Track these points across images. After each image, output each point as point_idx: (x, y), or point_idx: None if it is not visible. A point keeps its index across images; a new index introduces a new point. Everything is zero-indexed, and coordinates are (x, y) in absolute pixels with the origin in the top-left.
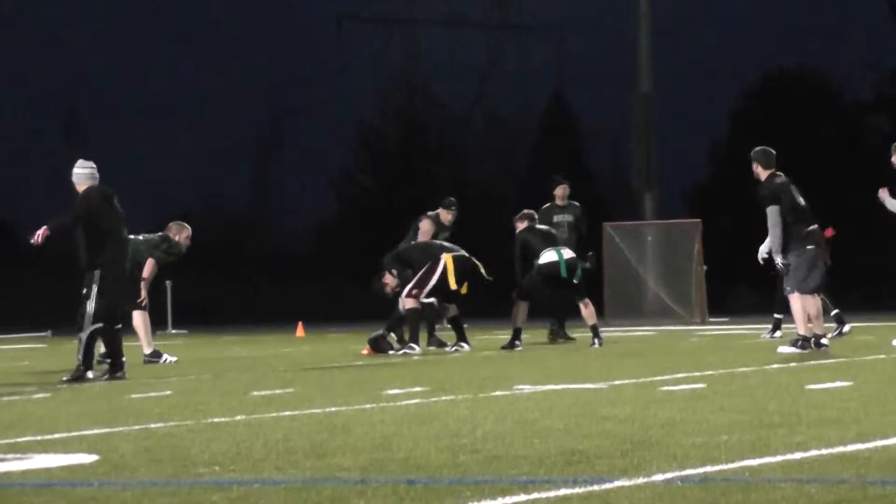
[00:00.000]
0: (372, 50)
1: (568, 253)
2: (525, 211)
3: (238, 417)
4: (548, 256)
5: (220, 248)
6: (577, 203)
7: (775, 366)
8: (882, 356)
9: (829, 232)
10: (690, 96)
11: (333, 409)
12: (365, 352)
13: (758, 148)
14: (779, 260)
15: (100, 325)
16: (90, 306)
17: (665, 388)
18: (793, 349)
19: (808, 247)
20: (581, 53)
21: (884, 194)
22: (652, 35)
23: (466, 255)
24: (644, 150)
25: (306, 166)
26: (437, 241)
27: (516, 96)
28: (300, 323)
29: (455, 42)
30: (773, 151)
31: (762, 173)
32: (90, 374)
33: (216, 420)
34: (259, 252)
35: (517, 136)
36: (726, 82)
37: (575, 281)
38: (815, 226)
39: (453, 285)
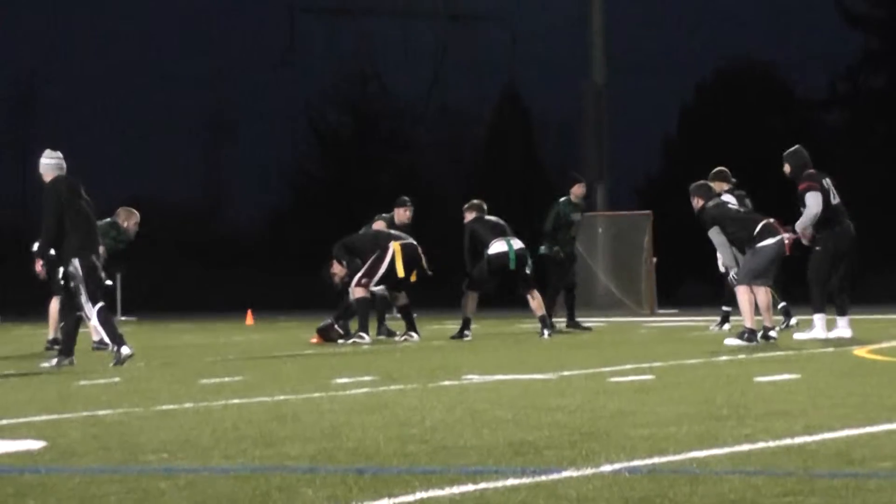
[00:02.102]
0: (324, 40)
1: (517, 243)
2: (474, 201)
3: (187, 405)
4: (497, 247)
5: (171, 235)
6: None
7: (723, 358)
8: (830, 349)
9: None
10: (642, 88)
11: (282, 397)
12: (314, 340)
13: (695, 184)
14: (732, 274)
15: (102, 303)
16: (83, 295)
17: (614, 379)
18: (739, 341)
19: (770, 241)
20: (534, 44)
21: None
22: (605, 26)
23: (414, 243)
24: (595, 141)
25: (258, 155)
26: (385, 231)
27: (468, 87)
28: (249, 311)
29: (407, 32)
30: (711, 184)
31: (696, 203)
32: (126, 350)
33: (165, 407)
34: (209, 240)
35: (469, 127)
36: (678, 75)
37: (524, 271)
38: (767, 220)
39: (401, 273)
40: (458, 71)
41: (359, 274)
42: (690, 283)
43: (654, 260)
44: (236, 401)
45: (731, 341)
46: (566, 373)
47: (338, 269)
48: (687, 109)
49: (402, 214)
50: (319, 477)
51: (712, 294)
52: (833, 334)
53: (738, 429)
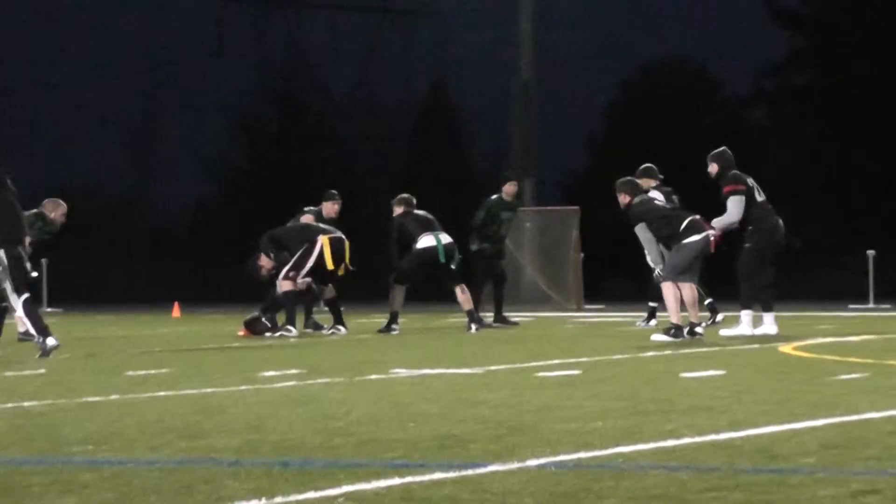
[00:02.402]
0: (252, 32)
1: (446, 238)
2: (403, 195)
3: (112, 397)
4: (426, 241)
5: (97, 226)
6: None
7: (650, 353)
8: (755, 346)
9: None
10: (570, 85)
11: (208, 390)
12: (241, 333)
13: (621, 180)
14: (658, 270)
15: (27, 294)
16: (8, 286)
17: (540, 373)
18: (666, 337)
19: (695, 237)
20: (464, 38)
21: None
22: (534, 22)
23: (342, 236)
24: (523, 137)
25: (185, 148)
26: (314, 224)
27: (398, 80)
28: (176, 303)
29: (336, 26)
30: (639, 181)
31: (623, 199)
32: (51, 341)
33: (90, 399)
34: (136, 232)
35: (397, 122)
36: (605, 72)
37: (452, 266)
38: (693, 217)
39: (330, 266)
40: (388, 64)
41: (286, 267)
42: (617, 279)
43: (581, 255)
44: (162, 393)
45: (658, 337)
46: (493, 367)
47: (265, 262)
48: (613, 106)
49: (329, 208)
50: (244, 469)
51: (639, 290)
52: (759, 331)
53: (663, 424)
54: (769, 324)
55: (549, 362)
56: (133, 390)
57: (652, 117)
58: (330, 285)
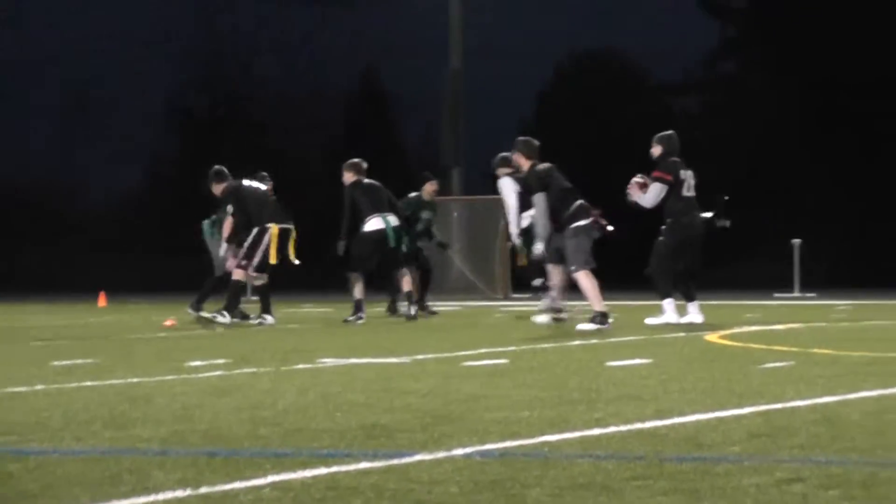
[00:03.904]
0: (185, 19)
1: (394, 220)
2: (353, 160)
3: (38, 387)
4: (374, 224)
5: (24, 214)
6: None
7: (576, 342)
8: (681, 334)
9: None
10: (501, 73)
11: (135, 379)
12: (168, 323)
13: (521, 138)
14: (539, 247)
15: None
16: None
17: (467, 363)
18: (591, 325)
19: (584, 222)
20: (395, 25)
21: (633, 189)
22: (464, 9)
23: (291, 227)
24: (452, 125)
25: (113, 135)
26: (272, 206)
27: (330, 69)
28: (102, 293)
29: (269, 11)
30: (536, 143)
31: (524, 164)
32: None
33: (15, 389)
34: (62, 221)
35: (329, 108)
36: (535, 61)
37: (404, 249)
38: (581, 200)
39: (273, 260)
40: (321, 53)
41: (241, 253)
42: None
43: (509, 245)
44: (88, 383)
45: (584, 326)
46: (420, 357)
47: (228, 226)
48: (544, 95)
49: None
50: (170, 460)
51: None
52: (685, 319)
53: (590, 413)
54: (694, 312)
55: (477, 351)
56: (59, 380)
57: (581, 105)
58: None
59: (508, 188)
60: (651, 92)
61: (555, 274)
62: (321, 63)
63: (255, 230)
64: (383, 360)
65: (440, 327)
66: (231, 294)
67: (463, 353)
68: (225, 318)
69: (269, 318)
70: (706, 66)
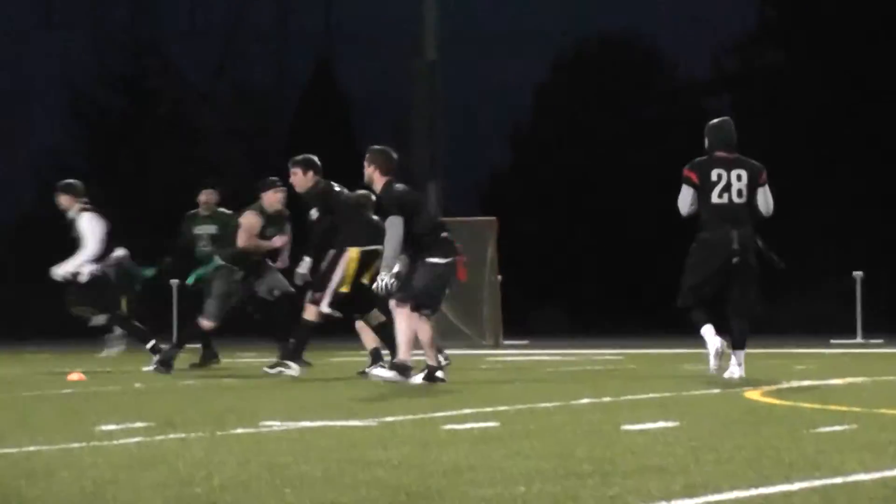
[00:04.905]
0: (90, 2)
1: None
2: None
3: None
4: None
5: None
6: (227, 211)
7: (584, 401)
8: (716, 390)
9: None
10: (486, 67)
11: (33, 448)
12: (74, 376)
13: (376, 147)
14: (384, 277)
15: None
16: None
17: (449, 426)
18: (387, 373)
19: (442, 260)
20: (353, 13)
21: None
22: None
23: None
24: (427, 129)
25: (3, 144)
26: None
27: (273, 63)
28: None
29: None
30: (395, 155)
31: (378, 179)
32: None
33: None
34: None
35: (272, 112)
36: (531, 54)
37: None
38: (447, 234)
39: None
40: (261, 43)
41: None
42: (545, 308)
43: (500, 278)
44: None
45: (379, 372)
46: (389, 418)
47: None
48: (542, 92)
49: (272, 198)
50: None
51: (573, 321)
52: (726, 375)
53: (603, 489)
54: (733, 365)
55: (461, 412)
56: None
57: (587, 106)
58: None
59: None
60: (674, 89)
61: (421, 326)
62: (262, 56)
63: (331, 252)
64: (344, 422)
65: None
66: (300, 337)
67: (443, 413)
68: (292, 369)
69: (293, 367)
70: (741, 56)
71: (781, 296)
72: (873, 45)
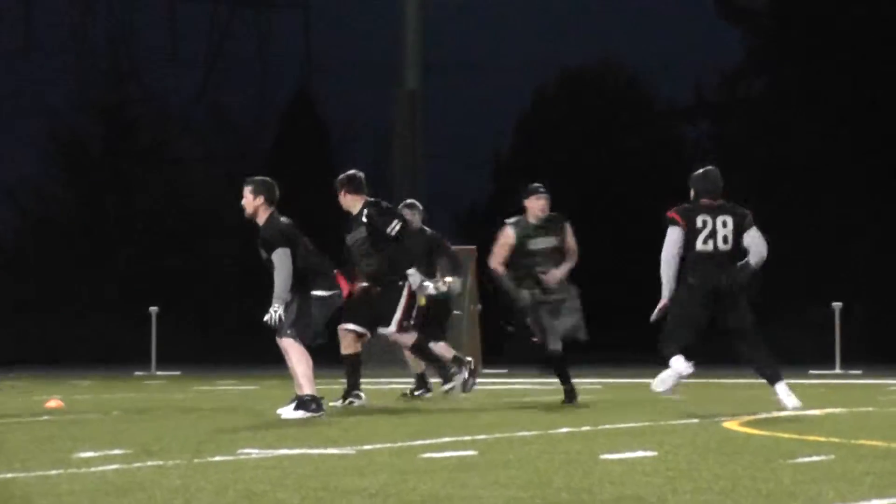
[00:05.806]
0: (69, 27)
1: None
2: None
3: None
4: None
5: None
6: None
7: (563, 430)
8: (694, 420)
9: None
10: (467, 96)
11: (8, 475)
12: (52, 403)
13: (259, 178)
14: (276, 309)
15: None
16: None
17: (427, 454)
18: (300, 413)
19: (326, 293)
20: (334, 38)
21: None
22: (422, 14)
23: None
24: (408, 157)
25: None
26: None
27: (253, 90)
28: None
29: (175, 20)
30: (275, 184)
31: (263, 211)
32: None
33: None
34: None
35: (252, 137)
36: (513, 82)
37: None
38: (332, 267)
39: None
40: (241, 70)
41: (397, 313)
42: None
43: (479, 307)
44: None
45: (290, 414)
46: (367, 447)
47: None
48: (524, 121)
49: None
50: None
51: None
52: (790, 405)
53: None
54: (783, 394)
55: (439, 440)
56: None
57: (570, 134)
58: None
59: None
60: (655, 117)
61: (301, 361)
62: (243, 81)
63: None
64: (321, 450)
65: (392, 410)
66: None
67: (421, 442)
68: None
69: (361, 397)
70: (725, 84)
71: (760, 326)
72: (858, 75)
